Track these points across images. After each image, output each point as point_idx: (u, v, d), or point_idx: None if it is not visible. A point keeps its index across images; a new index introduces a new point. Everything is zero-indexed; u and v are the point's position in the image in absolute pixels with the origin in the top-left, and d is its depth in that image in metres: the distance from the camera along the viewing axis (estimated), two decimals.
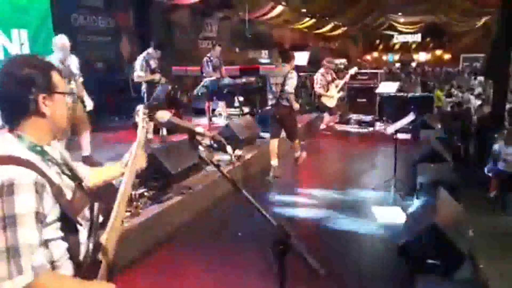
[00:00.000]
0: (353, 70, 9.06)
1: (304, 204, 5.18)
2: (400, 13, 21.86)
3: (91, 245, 1.46)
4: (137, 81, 6.48)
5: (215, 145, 1.87)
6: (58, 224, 1.33)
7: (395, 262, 3.39)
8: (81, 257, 1.41)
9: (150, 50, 6.45)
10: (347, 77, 8.79)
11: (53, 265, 1.32)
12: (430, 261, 3.04)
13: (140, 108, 1.78)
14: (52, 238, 1.32)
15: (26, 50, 5.87)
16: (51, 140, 1.42)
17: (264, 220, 1.37)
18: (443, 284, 2.97)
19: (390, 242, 3.77)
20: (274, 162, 5.93)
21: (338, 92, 8.64)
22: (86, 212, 1.46)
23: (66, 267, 1.37)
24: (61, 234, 1.34)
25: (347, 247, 4.01)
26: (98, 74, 5.78)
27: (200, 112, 8.30)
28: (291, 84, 5.62)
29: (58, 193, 1.31)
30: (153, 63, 6.41)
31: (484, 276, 3.30)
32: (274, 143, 5.91)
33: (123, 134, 7.31)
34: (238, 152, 5.88)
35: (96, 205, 1.52)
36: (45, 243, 1.29)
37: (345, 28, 22.91)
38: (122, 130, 7.66)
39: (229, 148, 1.70)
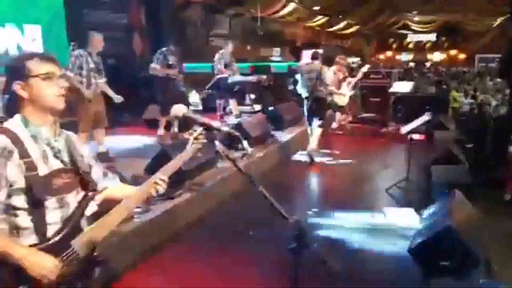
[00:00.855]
0: (365, 68, 8.96)
1: (313, 200, 5.12)
2: (414, 12, 21.58)
3: (66, 230, 1.53)
4: (151, 74, 6.47)
5: (225, 142, 1.83)
6: (23, 195, 1.47)
7: (409, 264, 3.32)
8: (48, 234, 1.51)
9: (171, 46, 6.48)
10: (360, 75, 8.68)
11: (18, 231, 1.48)
12: (444, 263, 2.96)
13: (198, 129, 1.67)
14: (19, 207, 1.48)
15: (38, 46, 5.90)
16: (48, 119, 1.58)
17: (279, 217, 1.36)
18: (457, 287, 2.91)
19: (403, 244, 3.69)
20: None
21: (350, 90, 8.52)
22: (70, 196, 1.58)
23: (31, 238, 1.49)
24: (25, 206, 1.48)
25: (358, 247, 3.94)
26: (110, 70, 5.78)
27: (211, 110, 8.28)
28: (327, 77, 6.82)
29: (28, 164, 1.47)
30: (172, 59, 6.37)
31: (499, 279, 3.21)
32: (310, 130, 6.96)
33: (134, 130, 7.35)
34: (249, 150, 5.83)
35: (81, 194, 1.62)
36: (13, 208, 1.47)
37: (358, 27, 22.71)
38: (133, 126, 7.70)
39: (245, 143, 1.68)
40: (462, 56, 27.90)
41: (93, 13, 8.35)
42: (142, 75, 8.66)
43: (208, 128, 1.59)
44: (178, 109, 1.63)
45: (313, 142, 6.84)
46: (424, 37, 28.94)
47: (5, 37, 5.58)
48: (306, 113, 7.01)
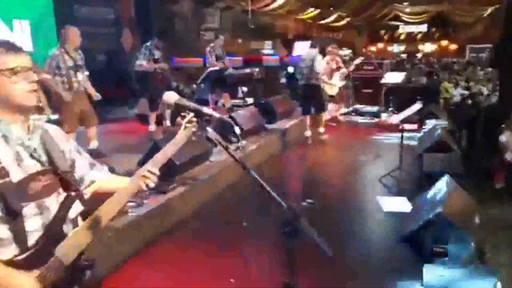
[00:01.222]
0: (358, 60, 8.99)
1: (307, 192, 5.13)
2: (405, 3, 21.59)
3: (48, 237, 1.40)
4: (137, 70, 6.40)
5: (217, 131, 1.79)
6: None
7: (402, 251, 3.35)
8: (30, 243, 1.38)
9: (156, 40, 6.38)
10: (352, 67, 8.68)
11: None
12: (437, 248, 2.99)
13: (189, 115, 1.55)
14: None
15: (27, 40, 5.84)
16: (19, 118, 1.42)
17: (273, 202, 1.37)
18: (450, 272, 2.94)
19: (397, 231, 3.72)
20: (308, 133, 7.43)
21: (341, 80, 8.52)
22: (50, 200, 1.43)
23: (10, 249, 1.35)
24: (1, 215, 1.33)
25: (353, 236, 3.97)
26: (99, 65, 5.73)
27: (203, 103, 8.24)
28: (319, 65, 7.15)
29: None
30: (157, 53, 6.30)
31: (491, 265, 3.25)
32: (306, 118, 7.48)
33: (125, 126, 7.31)
34: (242, 142, 5.83)
35: (63, 195, 1.47)
36: None
37: (350, 19, 22.69)
38: (124, 122, 7.66)
39: (237, 129, 1.66)
40: (453, 46, 27.98)
41: (82, 8, 8.28)
42: (133, 70, 8.62)
43: (199, 114, 1.54)
44: (170, 97, 1.58)
45: (320, 127, 7.47)
46: (415, 28, 28.99)
47: None
48: (302, 101, 7.54)
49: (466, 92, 10.60)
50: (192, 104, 1.59)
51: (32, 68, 1.43)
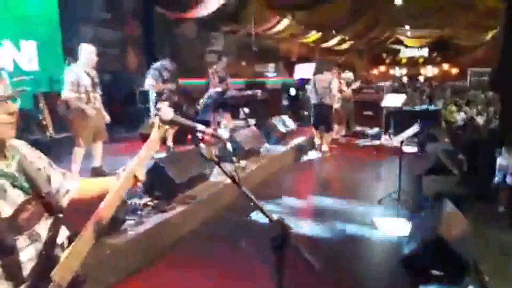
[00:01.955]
0: (355, 85, 9.13)
1: (307, 213, 5.15)
2: (407, 27, 21.92)
3: (42, 264, 1.33)
4: (145, 90, 6.50)
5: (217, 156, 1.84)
6: None
7: (398, 273, 3.34)
8: (25, 274, 1.30)
9: (165, 61, 6.48)
10: (349, 91, 8.81)
11: None
12: (434, 272, 2.99)
13: (163, 105, 1.56)
14: None
15: (34, 61, 5.97)
16: None
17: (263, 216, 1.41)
18: None
19: (394, 253, 3.71)
20: (324, 147, 8.23)
21: (338, 102, 8.62)
22: (40, 226, 1.36)
23: (7, 284, 1.27)
24: None
25: (350, 257, 3.96)
26: (105, 85, 5.81)
27: (205, 124, 8.33)
28: (335, 88, 7.94)
29: None
30: (166, 74, 6.37)
31: None
32: (316, 133, 8.30)
33: (130, 145, 7.37)
34: (242, 162, 5.88)
35: (51, 220, 1.40)
36: None
37: (352, 42, 23.01)
38: (129, 141, 7.73)
39: (228, 145, 1.70)
40: (454, 70, 28.26)
41: (88, 29, 8.47)
42: (138, 90, 8.77)
43: (192, 130, 1.60)
44: (166, 113, 1.63)
45: (324, 145, 8.14)
46: (416, 52, 29.36)
47: (2, 53, 5.64)
48: (313, 118, 8.28)
49: (467, 115, 10.68)
50: (187, 121, 1.64)
51: (13, 95, 1.30)
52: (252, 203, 1.43)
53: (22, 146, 1.44)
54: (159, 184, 4.40)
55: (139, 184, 1.48)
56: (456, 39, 23.86)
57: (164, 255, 3.87)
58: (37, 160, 1.48)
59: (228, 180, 1.52)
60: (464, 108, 12.01)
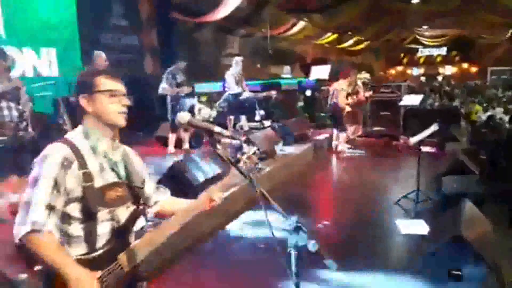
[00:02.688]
0: (367, 94, 8.99)
1: (326, 214, 5.12)
2: (425, 27, 21.62)
3: (114, 242, 1.55)
4: (161, 94, 6.58)
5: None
6: (79, 205, 1.51)
7: (419, 273, 3.30)
8: (98, 245, 1.53)
9: (179, 64, 6.56)
10: (362, 95, 8.70)
11: (69, 239, 1.52)
12: (454, 271, 2.94)
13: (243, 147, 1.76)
14: (73, 216, 1.51)
15: (54, 68, 6.11)
16: (108, 133, 1.63)
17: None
18: None
19: (414, 254, 3.66)
20: (340, 147, 8.39)
21: (353, 105, 8.51)
22: (121, 209, 1.60)
23: (81, 247, 1.51)
24: (79, 215, 1.51)
25: (369, 257, 3.92)
26: None
27: (222, 126, 8.37)
28: (341, 99, 8.16)
29: (85, 175, 1.51)
30: (179, 77, 6.46)
31: None
32: (333, 132, 8.55)
33: (148, 149, 7.47)
34: (258, 164, 5.88)
35: (132, 208, 1.64)
36: (67, 217, 1.51)
37: (368, 42, 22.83)
38: (147, 146, 7.83)
39: (245, 147, 1.73)
40: (474, 69, 27.73)
41: (106, 36, 8.64)
42: (155, 95, 8.86)
43: (210, 132, 1.65)
44: (182, 117, 1.70)
45: (342, 143, 8.37)
46: (434, 51, 28.91)
47: (22, 60, 5.79)
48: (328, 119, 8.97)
49: (494, 114, 10.47)
50: (204, 124, 1.71)
51: (126, 94, 1.65)
52: (269, 203, 1.47)
53: (128, 149, 1.77)
54: (177, 186, 4.44)
55: (213, 204, 1.72)
56: (475, 38, 23.42)
57: (179, 258, 3.90)
58: (139, 163, 1.78)
59: (244, 182, 1.56)
60: (489, 107, 11.79)
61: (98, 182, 1.53)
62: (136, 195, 1.66)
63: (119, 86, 1.63)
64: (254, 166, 1.69)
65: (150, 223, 3.84)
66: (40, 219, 1.42)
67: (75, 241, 1.51)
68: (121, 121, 1.64)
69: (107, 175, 1.58)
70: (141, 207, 1.66)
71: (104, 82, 1.61)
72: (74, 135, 1.60)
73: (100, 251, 1.52)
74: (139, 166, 1.76)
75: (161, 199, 1.83)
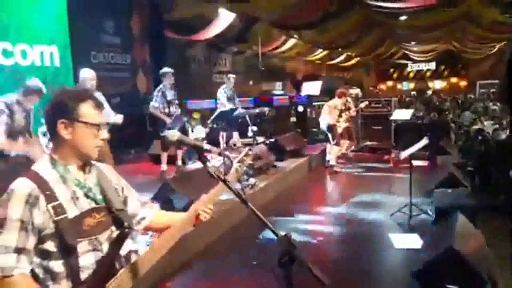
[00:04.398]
0: (363, 105, 9.17)
1: (318, 230, 5.11)
2: (413, 42, 21.99)
3: (100, 274, 1.45)
4: (152, 112, 6.52)
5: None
6: (54, 240, 1.41)
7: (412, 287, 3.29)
8: (83, 278, 1.44)
9: (167, 79, 6.34)
10: (353, 110, 8.79)
11: (52, 276, 1.42)
12: (448, 286, 2.94)
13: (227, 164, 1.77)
14: (51, 251, 1.42)
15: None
16: (81, 164, 1.53)
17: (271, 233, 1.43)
18: None
19: (407, 268, 3.66)
20: (331, 161, 8.39)
21: (345, 122, 8.57)
22: (103, 236, 1.50)
23: (64, 283, 1.43)
24: (56, 251, 1.41)
25: (363, 272, 3.91)
26: (115, 108, 5.88)
27: (214, 143, 8.40)
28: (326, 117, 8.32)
29: (55, 209, 1.40)
30: (169, 95, 6.35)
31: None
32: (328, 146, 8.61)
33: (140, 167, 7.45)
34: (251, 180, 5.89)
35: (116, 233, 1.54)
36: (46, 253, 1.41)
37: (358, 58, 23.13)
38: (139, 163, 7.81)
39: (235, 163, 1.73)
40: (462, 83, 28.17)
41: (98, 54, 8.67)
42: (147, 112, 8.87)
43: (199, 149, 1.64)
44: (172, 135, 1.69)
45: (331, 158, 8.32)
46: (424, 66, 29.35)
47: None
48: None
49: (476, 127, 10.60)
50: (193, 141, 1.70)
51: (105, 125, 1.56)
52: (259, 220, 1.45)
53: (104, 168, 1.65)
54: (169, 203, 4.43)
55: (207, 216, 1.66)
56: (463, 52, 23.85)
57: (174, 274, 3.87)
58: (116, 181, 1.67)
59: (237, 199, 1.53)
60: (477, 120, 11.94)
61: (72, 213, 1.42)
62: (117, 218, 1.55)
63: (102, 119, 1.53)
64: (248, 169, 1.69)
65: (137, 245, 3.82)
66: (9, 264, 1.34)
67: (58, 277, 1.42)
68: (96, 155, 1.54)
69: (81, 203, 1.47)
70: (126, 230, 1.55)
71: (89, 113, 1.49)
72: (42, 165, 1.48)
73: (86, 285, 1.43)
74: (117, 184, 1.66)
75: (148, 214, 1.73)
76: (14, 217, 1.36)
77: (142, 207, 1.74)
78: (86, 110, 1.49)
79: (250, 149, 1.77)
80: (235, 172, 1.67)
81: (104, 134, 1.55)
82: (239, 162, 1.67)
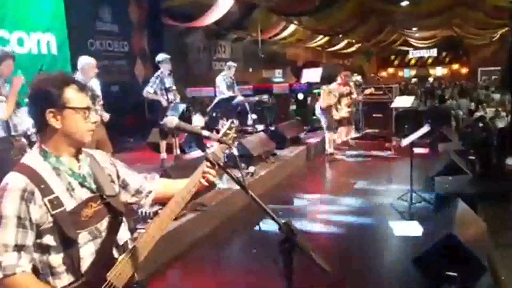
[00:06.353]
0: (368, 90, 9.06)
1: (318, 217, 5.11)
2: (414, 28, 21.77)
3: (100, 262, 1.44)
4: (146, 96, 6.42)
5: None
6: (54, 234, 1.38)
7: (412, 275, 3.29)
8: (83, 269, 1.42)
9: (165, 64, 6.21)
10: (359, 96, 8.73)
11: (52, 270, 1.39)
12: (448, 273, 2.93)
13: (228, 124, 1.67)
14: (51, 245, 1.39)
15: None
16: (74, 152, 1.49)
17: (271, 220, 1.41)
18: None
19: (408, 255, 3.66)
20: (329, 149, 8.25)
21: (348, 106, 8.52)
22: (101, 224, 1.48)
23: (65, 277, 1.41)
24: (57, 244, 1.39)
25: (363, 259, 3.91)
26: (113, 97, 5.81)
27: (214, 131, 8.36)
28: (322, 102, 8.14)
29: (52, 202, 1.37)
30: (168, 82, 6.26)
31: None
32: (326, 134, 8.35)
33: (139, 155, 7.42)
34: (251, 168, 5.87)
35: (112, 221, 1.51)
36: (45, 247, 1.38)
37: (359, 45, 22.95)
38: (138, 151, 7.78)
39: (235, 150, 1.69)
40: (464, 70, 27.99)
41: (96, 42, 8.59)
42: (145, 100, 8.82)
43: (198, 136, 1.61)
44: (170, 121, 1.65)
45: (329, 146, 8.22)
46: (425, 53, 29.12)
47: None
48: None
49: (479, 114, 10.55)
50: (192, 127, 1.66)
51: (94, 108, 1.50)
52: (260, 208, 1.43)
53: (97, 154, 1.61)
54: None
55: (210, 177, 1.58)
56: (465, 39, 23.64)
57: (174, 263, 3.87)
58: (110, 166, 1.63)
59: (237, 187, 1.51)
60: (479, 107, 11.89)
61: (70, 205, 1.39)
62: (112, 206, 1.52)
63: (88, 101, 1.47)
64: (235, 141, 1.63)
65: (142, 230, 3.82)
66: (10, 262, 1.32)
67: (58, 271, 1.39)
68: (89, 139, 1.50)
69: (78, 193, 1.44)
70: (120, 217, 1.53)
71: (75, 98, 1.43)
72: (32, 158, 1.43)
73: (87, 276, 1.41)
74: (111, 169, 1.62)
75: (153, 187, 1.72)
76: (10, 215, 1.33)
77: (146, 182, 1.72)
78: (71, 95, 1.43)
79: (232, 122, 1.70)
80: (219, 146, 1.61)
81: (94, 117, 1.51)
82: (223, 135, 1.62)
